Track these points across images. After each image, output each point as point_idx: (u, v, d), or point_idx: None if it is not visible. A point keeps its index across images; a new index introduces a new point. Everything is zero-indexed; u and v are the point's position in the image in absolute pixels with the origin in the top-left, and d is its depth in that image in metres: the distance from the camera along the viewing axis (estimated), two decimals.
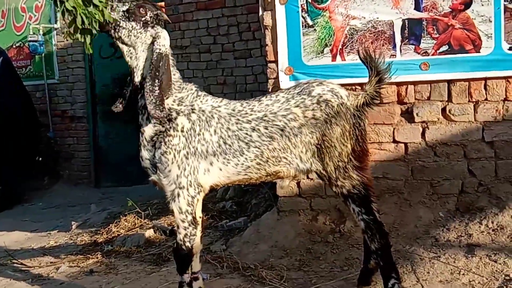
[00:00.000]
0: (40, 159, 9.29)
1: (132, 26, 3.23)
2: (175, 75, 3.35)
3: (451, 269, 3.75)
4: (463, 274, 3.69)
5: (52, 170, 9.62)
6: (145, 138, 3.32)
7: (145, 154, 3.33)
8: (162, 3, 8.87)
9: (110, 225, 5.68)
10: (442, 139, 4.28)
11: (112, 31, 3.23)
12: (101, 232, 5.65)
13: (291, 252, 4.30)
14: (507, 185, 4.18)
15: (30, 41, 9.19)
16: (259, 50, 7.54)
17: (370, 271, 3.62)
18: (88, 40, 3.19)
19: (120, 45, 3.31)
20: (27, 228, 6.77)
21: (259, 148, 3.22)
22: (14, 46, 9.80)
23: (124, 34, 3.24)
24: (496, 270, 3.67)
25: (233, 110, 3.31)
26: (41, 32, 9.25)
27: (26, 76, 9.69)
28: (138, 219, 5.64)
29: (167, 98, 3.22)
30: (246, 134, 3.23)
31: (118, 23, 3.21)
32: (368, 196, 3.28)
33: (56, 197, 8.95)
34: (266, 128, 3.22)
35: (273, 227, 4.54)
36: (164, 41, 3.24)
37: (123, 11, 3.22)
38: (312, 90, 3.27)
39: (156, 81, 3.15)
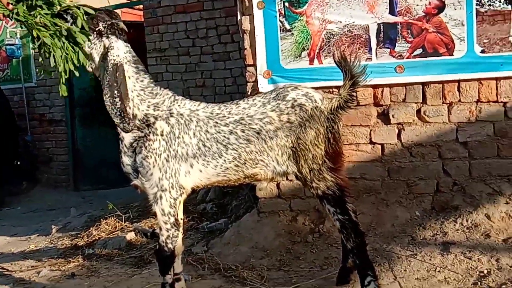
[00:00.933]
0: (18, 163, 9.23)
1: None
2: (144, 81, 3.41)
3: (427, 267, 3.84)
4: (439, 271, 3.79)
5: (30, 174, 9.59)
6: (125, 145, 3.38)
7: (126, 160, 3.40)
8: (141, 6, 8.94)
9: (91, 228, 5.70)
10: (418, 140, 4.38)
11: None
12: (81, 236, 5.66)
13: (271, 253, 4.36)
14: (481, 184, 4.29)
15: (7, 44, 9.16)
16: (238, 52, 7.59)
17: (349, 269, 3.72)
18: (63, 80, 3.25)
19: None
20: (6, 232, 6.76)
21: (236, 151, 3.30)
22: None
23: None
24: (471, 267, 3.77)
25: (211, 113, 3.38)
26: (18, 36, 9.22)
27: (3, 79, 9.67)
28: (118, 222, 5.67)
29: (130, 107, 3.28)
30: (224, 136, 3.30)
31: None
32: (342, 196, 3.37)
33: (35, 201, 8.94)
34: (243, 131, 3.29)
35: (254, 228, 4.60)
36: (117, 51, 3.32)
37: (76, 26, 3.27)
38: (286, 94, 3.35)
39: (115, 92, 3.25)
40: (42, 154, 9.61)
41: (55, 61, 3.15)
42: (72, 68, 3.21)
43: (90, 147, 9.41)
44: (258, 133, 3.29)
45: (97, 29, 3.32)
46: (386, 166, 4.47)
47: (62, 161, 9.50)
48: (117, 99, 3.24)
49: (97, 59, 3.37)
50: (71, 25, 3.23)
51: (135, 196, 6.65)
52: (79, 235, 5.74)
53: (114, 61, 3.28)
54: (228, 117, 3.34)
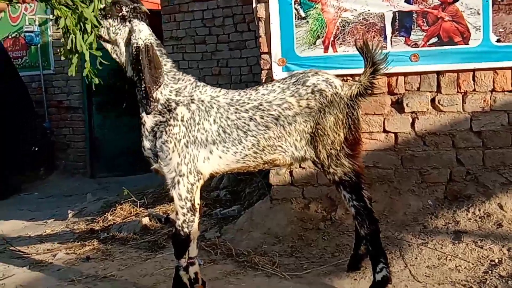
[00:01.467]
0: (36, 149, 9.33)
1: (109, 24, 3.35)
2: (167, 65, 3.43)
3: (438, 255, 3.86)
4: (450, 259, 3.80)
5: (48, 161, 9.68)
6: (147, 129, 3.42)
7: (146, 144, 3.43)
8: None
9: (106, 213, 5.77)
10: (431, 129, 4.38)
11: None
12: (97, 221, 5.74)
13: (283, 239, 4.40)
14: (494, 174, 4.29)
15: (26, 31, 9.22)
16: (254, 41, 7.62)
17: (360, 256, 3.74)
18: (75, 60, 3.28)
19: (103, 43, 3.42)
20: (23, 217, 6.86)
21: (255, 137, 3.32)
22: (9, 37, 9.85)
23: (103, 33, 3.37)
24: (482, 256, 3.78)
25: (232, 100, 3.40)
26: (36, 23, 9.29)
27: (22, 66, 9.74)
28: (133, 207, 5.73)
29: (158, 88, 3.31)
30: (244, 123, 3.32)
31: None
32: (359, 183, 3.38)
33: (52, 187, 9.04)
34: (262, 117, 3.31)
35: (266, 215, 4.64)
36: (140, 34, 3.32)
37: (100, 9, 3.31)
38: (307, 80, 3.35)
39: (141, 75, 3.26)
40: (60, 141, 9.70)
41: (73, 44, 3.19)
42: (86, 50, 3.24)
43: (107, 134, 9.50)
44: (276, 119, 3.30)
45: (120, 14, 3.34)
46: (399, 154, 4.47)
47: (79, 148, 9.59)
48: (142, 83, 3.27)
49: (122, 44, 3.39)
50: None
51: (151, 183, 6.76)
52: (94, 220, 5.82)
53: (137, 43, 3.28)
54: (248, 103, 3.36)
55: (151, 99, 3.31)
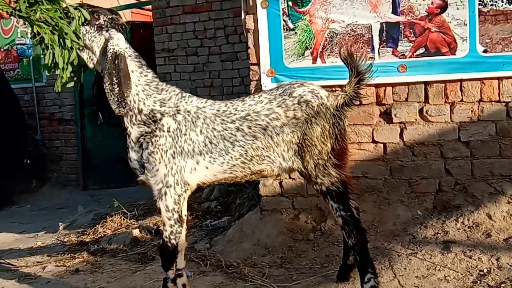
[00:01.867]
0: (28, 161, 9.31)
1: (86, 30, 3.35)
2: (148, 76, 3.44)
3: (427, 265, 3.86)
4: (439, 269, 3.80)
5: (40, 173, 9.66)
6: (132, 140, 3.41)
7: (133, 155, 3.43)
8: (150, 6, 9.01)
9: (97, 225, 5.75)
10: (420, 139, 4.40)
11: None
12: (87, 233, 5.72)
13: (273, 250, 4.40)
14: (483, 184, 4.30)
15: (18, 44, 9.24)
16: (245, 53, 7.58)
17: (349, 267, 3.74)
18: (61, 75, 3.30)
19: (79, 52, 3.39)
20: (14, 230, 6.83)
21: (243, 147, 3.33)
22: (2, 49, 9.87)
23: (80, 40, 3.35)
24: (471, 266, 3.78)
25: (218, 111, 3.41)
26: (29, 35, 9.28)
27: (14, 79, 9.74)
28: (124, 219, 5.73)
29: (126, 97, 3.30)
30: (231, 134, 3.33)
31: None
32: (346, 193, 3.39)
33: (44, 200, 9.01)
34: (249, 127, 3.32)
35: (256, 226, 4.63)
36: (117, 41, 3.34)
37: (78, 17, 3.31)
38: (293, 91, 3.38)
39: (114, 79, 3.26)
40: (52, 153, 9.68)
41: (53, 58, 3.20)
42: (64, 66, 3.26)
43: (99, 146, 9.47)
44: (264, 129, 3.31)
45: (97, 22, 3.36)
46: (388, 165, 4.48)
47: (71, 160, 9.57)
48: (116, 86, 3.24)
49: (97, 52, 3.39)
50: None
51: (143, 195, 6.74)
52: (85, 232, 5.80)
53: (114, 49, 3.30)
54: (235, 114, 3.37)
55: (125, 99, 3.28)
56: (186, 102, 3.44)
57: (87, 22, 3.33)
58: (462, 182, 4.34)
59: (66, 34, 3.20)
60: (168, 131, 3.34)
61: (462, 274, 3.72)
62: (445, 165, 4.38)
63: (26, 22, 3.29)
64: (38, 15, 3.17)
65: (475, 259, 3.82)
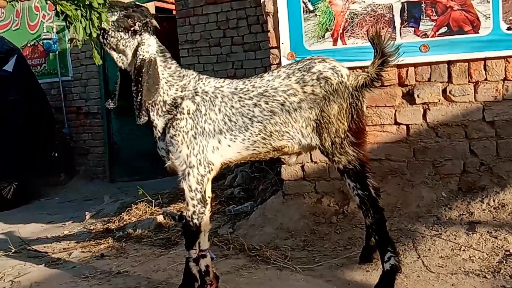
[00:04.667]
0: (56, 155, 9.45)
1: (120, 36, 3.38)
2: (171, 67, 3.47)
3: (452, 246, 3.81)
4: (464, 250, 3.75)
5: (68, 166, 9.80)
6: (159, 131, 3.46)
7: (160, 144, 3.49)
8: None
9: (122, 213, 5.82)
10: (443, 120, 4.33)
11: (101, 37, 3.37)
12: (113, 220, 5.79)
13: (295, 233, 4.39)
14: (509, 164, 4.21)
15: (44, 39, 9.36)
16: (268, 42, 7.61)
17: (372, 248, 3.71)
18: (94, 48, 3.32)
19: (109, 51, 3.44)
20: (43, 220, 6.95)
21: (261, 123, 3.33)
22: (28, 45, 9.99)
23: (112, 43, 3.39)
24: (497, 246, 3.72)
25: (236, 89, 3.42)
26: (54, 30, 9.42)
27: (41, 74, 9.87)
28: (149, 207, 5.77)
29: (151, 101, 3.36)
30: (249, 110, 3.34)
31: (107, 31, 3.35)
32: (363, 171, 3.36)
33: (72, 192, 9.14)
34: (267, 103, 3.33)
35: (279, 210, 4.63)
36: (148, 48, 3.38)
37: (112, 21, 3.33)
38: (313, 66, 3.36)
39: (139, 86, 3.31)
40: (79, 146, 9.80)
41: (75, 31, 3.21)
42: (95, 33, 3.26)
43: (125, 139, 9.55)
44: (282, 104, 3.31)
45: (132, 28, 3.37)
46: (411, 146, 4.43)
47: (98, 153, 9.67)
48: (138, 94, 3.31)
49: (129, 55, 3.42)
50: None
51: (168, 187, 6.78)
52: (110, 220, 5.87)
53: (143, 56, 3.34)
54: (252, 91, 3.38)
55: (143, 110, 3.33)
56: (203, 84, 3.46)
57: (122, 28, 3.35)
58: (487, 163, 4.27)
59: (91, 4, 3.20)
60: (188, 113, 3.36)
61: (487, 255, 3.66)
62: (470, 146, 4.31)
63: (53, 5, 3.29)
64: None
65: (500, 239, 3.76)
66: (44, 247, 5.14)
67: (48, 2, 3.28)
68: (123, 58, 3.45)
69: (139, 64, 3.34)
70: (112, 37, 3.37)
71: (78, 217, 6.64)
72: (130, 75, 3.44)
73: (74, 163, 9.88)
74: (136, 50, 3.39)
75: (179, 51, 8.48)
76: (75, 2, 3.15)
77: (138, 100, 3.32)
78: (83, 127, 9.75)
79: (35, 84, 9.13)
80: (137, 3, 3.59)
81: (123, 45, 3.39)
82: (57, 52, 9.54)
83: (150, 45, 3.39)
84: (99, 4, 3.21)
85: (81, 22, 3.14)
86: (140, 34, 3.39)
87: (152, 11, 10.80)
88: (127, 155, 9.51)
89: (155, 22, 3.50)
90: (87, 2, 3.19)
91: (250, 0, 7.99)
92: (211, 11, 8.35)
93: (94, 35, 3.22)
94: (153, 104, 3.40)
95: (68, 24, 3.20)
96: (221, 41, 8.32)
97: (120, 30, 3.36)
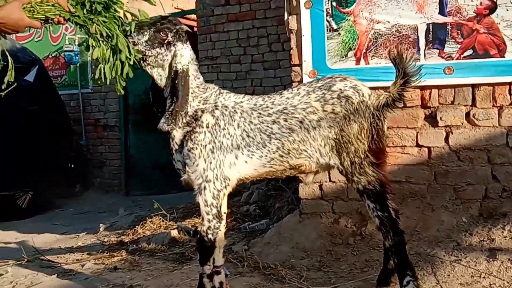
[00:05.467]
0: (72, 166, 9.48)
1: (157, 52, 3.32)
2: (200, 79, 3.44)
3: (472, 272, 3.72)
4: (484, 277, 3.66)
5: (83, 178, 9.83)
6: (176, 143, 3.41)
7: (177, 156, 3.43)
8: (194, 16, 9.09)
9: (136, 226, 5.78)
10: (466, 143, 4.26)
11: (141, 62, 3.32)
12: (127, 233, 5.76)
13: (311, 253, 4.32)
14: None
15: (65, 51, 9.47)
16: (288, 61, 7.61)
17: (390, 271, 3.61)
18: (120, 85, 3.29)
19: (149, 70, 3.39)
20: (57, 231, 6.97)
21: (279, 140, 3.28)
22: (50, 56, 10.11)
23: (151, 61, 3.34)
24: None
25: (255, 105, 3.38)
26: (76, 43, 9.51)
27: (61, 85, 9.97)
28: (163, 221, 5.74)
29: (183, 111, 3.32)
30: (268, 126, 3.29)
31: (144, 53, 3.30)
32: (383, 192, 3.29)
33: (86, 204, 9.17)
34: (285, 120, 3.28)
35: (295, 229, 4.56)
36: (180, 59, 3.33)
37: (145, 41, 3.29)
38: (333, 84, 3.31)
39: (174, 98, 3.28)
40: (96, 158, 9.85)
41: (101, 73, 3.18)
42: (121, 78, 3.24)
43: (142, 152, 9.58)
44: (301, 122, 3.26)
45: (165, 41, 3.33)
46: (432, 170, 4.35)
47: (115, 166, 9.72)
48: (172, 104, 3.28)
49: (167, 68, 3.37)
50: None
51: (184, 201, 6.75)
52: (125, 233, 5.84)
53: (176, 67, 3.31)
54: (272, 108, 3.33)
55: (173, 118, 3.29)
56: (224, 98, 3.43)
57: (156, 44, 3.30)
58: (510, 189, 4.17)
59: (120, 51, 3.18)
60: (207, 127, 3.32)
61: (508, 283, 3.56)
62: (492, 171, 4.23)
63: (80, 29, 3.26)
64: (94, 27, 3.14)
65: None
66: (57, 257, 5.12)
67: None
68: (161, 72, 3.39)
69: (173, 75, 3.30)
70: (149, 56, 3.31)
71: (92, 229, 6.63)
72: (160, 90, 3.43)
73: (90, 175, 9.93)
74: (171, 62, 3.36)
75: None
76: (109, 39, 3.12)
77: (170, 109, 3.28)
78: (101, 139, 9.82)
79: (55, 95, 9.22)
80: (162, 14, 3.55)
81: (161, 60, 3.34)
82: (78, 64, 9.62)
83: (183, 56, 3.33)
84: (126, 57, 3.17)
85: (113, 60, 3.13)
86: (174, 45, 3.34)
87: None
88: (143, 168, 9.54)
89: (185, 27, 3.44)
90: (113, 43, 3.15)
91: (272, 19, 8.00)
92: (232, 28, 8.37)
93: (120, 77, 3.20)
94: (170, 116, 3.37)
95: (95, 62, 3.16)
96: (241, 58, 8.34)
97: (155, 47, 3.32)
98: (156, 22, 3.38)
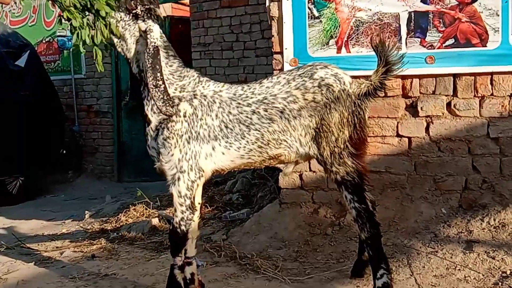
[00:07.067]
0: (64, 152, 9.43)
1: (120, 17, 3.27)
2: (173, 66, 3.37)
3: (447, 264, 3.69)
4: (459, 269, 3.63)
5: (76, 164, 9.79)
6: (151, 128, 3.36)
7: (151, 143, 3.37)
8: (187, 1, 9.02)
9: (120, 214, 5.76)
10: (447, 134, 4.21)
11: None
12: (110, 221, 5.75)
13: (289, 243, 4.29)
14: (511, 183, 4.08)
15: (58, 36, 9.36)
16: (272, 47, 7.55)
17: (364, 263, 3.59)
18: (99, 56, 3.26)
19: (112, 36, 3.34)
20: (45, 217, 6.96)
21: (259, 131, 3.22)
22: (43, 41, 10.05)
23: (111, 23, 3.27)
24: (493, 267, 3.59)
25: (234, 95, 3.32)
26: (69, 28, 9.41)
27: (54, 70, 9.91)
28: (146, 209, 5.72)
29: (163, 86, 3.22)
30: (247, 117, 3.23)
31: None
32: (361, 184, 3.24)
33: (78, 190, 9.13)
34: (265, 110, 3.22)
35: (274, 219, 4.53)
36: (157, 35, 3.27)
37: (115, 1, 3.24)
38: (314, 72, 3.24)
39: (158, 75, 3.17)
40: (88, 144, 9.79)
41: (78, 39, 3.16)
42: (99, 41, 3.21)
43: (134, 139, 9.51)
44: (281, 112, 3.20)
45: (134, 11, 3.28)
46: (412, 160, 4.31)
47: (107, 152, 9.66)
48: (160, 82, 3.17)
49: (129, 40, 3.32)
50: None
51: None
52: (108, 221, 5.83)
53: (155, 43, 3.21)
54: (251, 97, 3.27)
55: (170, 98, 3.20)
56: (203, 87, 3.36)
57: (123, 9, 3.26)
58: (490, 180, 4.13)
59: (98, 11, 3.15)
60: (184, 116, 3.26)
61: (483, 275, 3.53)
62: (473, 162, 4.18)
63: (57, 4, 3.23)
64: (68, 1, 3.12)
65: (498, 260, 3.62)
66: (38, 245, 5.10)
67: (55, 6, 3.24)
68: (123, 43, 3.35)
69: (152, 52, 3.19)
70: (111, 17, 3.24)
71: (79, 216, 6.61)
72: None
73: (83, 161, 9.88)
74: (137, 37, 3.29)
75: (191, 53, 8.45)
76: (82, 9, 3.10)
77: (162, 88, 3.15)
78: (93, 125, 9.75)
79: (46, 80, 9.13)
80: None
81: (122, 27, 3.28)
82: (71, 50, 9.53)
83: (158, 32, 3.27)
84: (106, 13, 3.15)
85: (87, 30, 3.10)
86: (143, 20, 3.29)
87: (169, 11, 10.84)
88: (136, 155, 9.46)
89: (159, 11, 3.38)
90: (93, 11, 3.13)
91: (264, 5, 7.88)
92: (225, 14, 8.29)
93: (97, 41, 3.16)
94: (148, 99, 3.31)
95: (72, 30, 3.15)
96: (233, 45, 8.26)
97: (121, 10, 3.26)
98: None
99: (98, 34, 3.20)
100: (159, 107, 3.20)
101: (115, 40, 3.37)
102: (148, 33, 3.25)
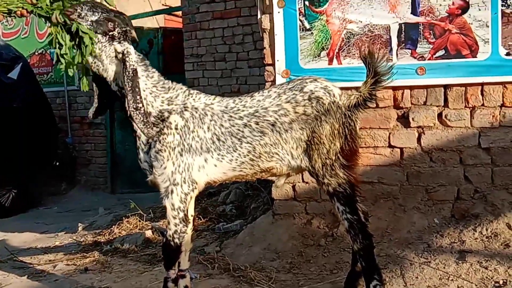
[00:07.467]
0: (58, 164, 9.42)
1: (98, 39, 3.20)
2: (153, 77, 3.36)
3: (440, 275, 3.69)
4: (452, 280, 3.63)
5: (69, 176, 9.77)
6: (142, 142, 3.34)
7: (143, 156, 3.37)
8: (180, 12, 9.05)
9: (113, 226, 5.75)
10: (438, 144, 4.23)
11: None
12: (103, 233, 5.73)
13: (283, 255, 4.28)
14: (503, 192, 4.10)
15: (51, 48, 9.36)
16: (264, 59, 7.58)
17: (358, 274, 3.57)
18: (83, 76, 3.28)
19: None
20: (38, 229, 6.93)
21: (251, 144, 3.24)
22: (36, 53, 10.05)
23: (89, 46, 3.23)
24: (486, 277, 3.60)
25: (226, 107, 3.33)
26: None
27: (47, 82, 9.91)
28: (140, 221, 5.70)
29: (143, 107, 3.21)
30: (239, 130, 3.25)
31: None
32: (353, 195, 3.25)
33: (72, 202, 9.11)
34: (257, 123, 3.23)
35: (268, 230, 4.53)
36: (134, 57, 3.25)
37: (92, 21, 3.18)
38: (304, 86, 3.26)
39: (138, 97, 3.16)
40: (82, 156, 9.79)
41: (59, 57, 3.15)
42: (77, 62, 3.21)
43: (128, 150, 9.49)
44: (272, 125, 3.22)
45: (111, 33, 3.23)
46: (405, 170, 4.32)
47: (101, 163, 9.65)
48: (140, 104, 3.16)
49: (106, 61, 3.26)
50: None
51: None
52: (101, 233, 5.81)
53: (134, 66, 3.20)
54: (243, 110, 3.29)
55: (150, 121, 3.22)
56: (193, 99, 3.36)
57: (100, 31, 3.22)
58: (482, 190, 4.15)
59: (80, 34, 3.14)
60: (176, 129, 3.26)
61: (476, 285, 3.54)
62: (464, 172, 4.20)
63: (44, 22, 3.23)
64: (54, 16, 3.11)
65: (491, 270, 3.63)
66: (31, 258, 5.10)
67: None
68: (99, 64, 3.28)
69: (132, 74, 3.17)
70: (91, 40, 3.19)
71: (72, 228, 6.60)
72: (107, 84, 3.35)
73: (76, 173, 9.87)
74: (113, 57, 3.24)
75: (184, 64, 8.47)
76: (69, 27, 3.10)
77: (142, 110, 3.15)
78: (87, 137, 9.75)
79: (39, 92, 9.12)
80: (119, 10, 3.48)
81: (99, 49, 3.21)
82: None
83: (131, 54, 3.23)
84: (83, 32, 3.13)
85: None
86: (119, 42, 3.26)
87: (162, 23, 10.87)
88: (129, 166, 9.44)
89: (134, 33, 3.35)
90: (73, 30, 3.12)
91: (257, 17, 7.92)
92: (217, 26, 8.31)
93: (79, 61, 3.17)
94: (145, 120, 3.30)
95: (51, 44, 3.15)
96: (226, 56, 8.28)
97: (98, 32, 3.21)
98: (112, 12, 3.30)
99: (78, 55, 3.20)
100: (141, 130, 3.22)
101: (90, 60, 3.31)
102: (126, 55, 3.22)
